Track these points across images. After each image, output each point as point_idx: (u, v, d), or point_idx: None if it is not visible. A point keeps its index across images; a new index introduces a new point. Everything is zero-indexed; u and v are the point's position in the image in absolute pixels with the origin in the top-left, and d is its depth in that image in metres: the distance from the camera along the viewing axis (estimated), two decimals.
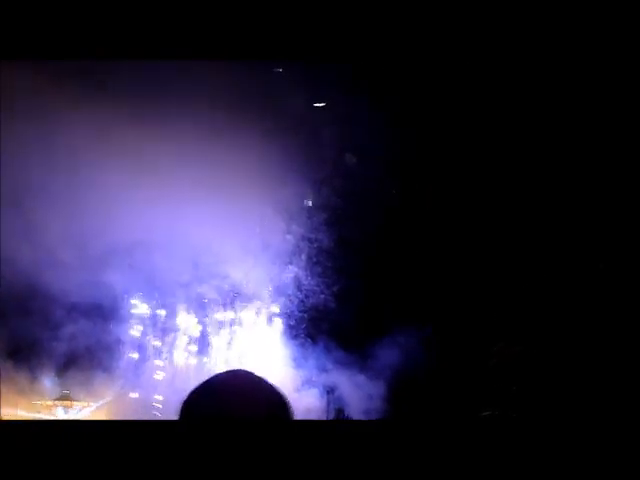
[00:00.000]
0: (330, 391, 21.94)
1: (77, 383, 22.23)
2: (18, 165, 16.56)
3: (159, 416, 22.34)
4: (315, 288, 20.66)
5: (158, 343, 21.98)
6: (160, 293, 21.26)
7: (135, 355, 21.74)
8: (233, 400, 2.21)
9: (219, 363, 21.99)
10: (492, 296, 16.72)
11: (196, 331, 21.75)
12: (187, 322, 21.69)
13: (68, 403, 22.45)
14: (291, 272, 20.67)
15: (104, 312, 20.67)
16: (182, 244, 19.28)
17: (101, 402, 22.10)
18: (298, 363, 22.29)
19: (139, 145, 17.67)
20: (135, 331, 21.58)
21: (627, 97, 11.96)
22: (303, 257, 20.43)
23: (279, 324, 21.56)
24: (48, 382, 21.61)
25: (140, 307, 21.47)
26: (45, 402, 22.07)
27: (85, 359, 21.55)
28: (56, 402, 22.36)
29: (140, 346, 21.89)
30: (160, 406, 21.71)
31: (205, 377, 2.62)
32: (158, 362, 21.98)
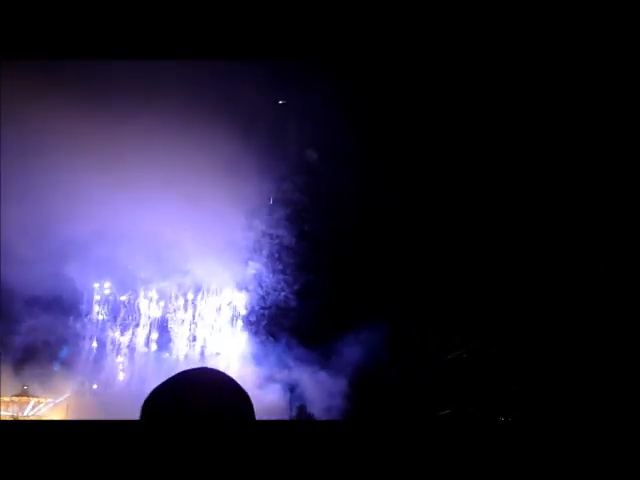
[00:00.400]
0: (292, 389, 21.89)
1: (36, 378, 21.88)
2: None
3: (118, 414, 22.03)
4: (276, 285, 20.61)
5: (117, 335, 21.82)
6: (121, 287, 21.11)
7: (94, 344, 21.60)
8: (196, 397, 2.16)
9: (180, 359, 21.86)
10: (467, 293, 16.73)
11: (157, 326, 21.62)
12: (148, 317, 21.55)
13: (25, 399, 22.15)
14: (253, 268, 20.60)
15: (64, 305, 20.45)
16: (143, 239, 19.15)
17: (60, 398, 21.82)
18: (259, 360, 22.20)
19: (101, 140, 17.51)
20: (95, 325, 21.37)
21: (627, 97, 11.90)
22: (264, 253, 20.37)
23: (240, 320, 21.49)
24: (5, 377, 21.28)
25: (101, 301, 21.31)
26: (2, 398, 21.73)
27: (44, 353, 21.24)
28: (13, 398, 22.02)
29: (100, 341, 21.70)
30: (119, 402, 21.47)
31: (166, 374, 2.62)
32: (119, 357, 21.82)
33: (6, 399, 21.16)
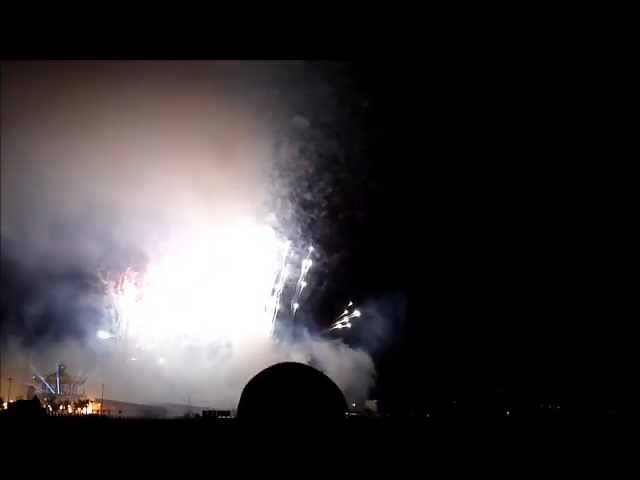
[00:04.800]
0: (313, 363, 23.73)
1: (63, 355, 21.96)
2: None
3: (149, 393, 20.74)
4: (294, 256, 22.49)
5: (134, 309, 22.30)
6: (127, 262, 21.77)
7: (112, 319, 21.46)
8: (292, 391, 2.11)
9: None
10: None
11: (178, 301, 22.10)
12: (163, 291, 22.60)
13: (64, 378, 22.08)
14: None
15: (74, 279, 21.24)
16: (147, 214, 21.50)
17: (92, 374, 22.14)
18: (280, 334, 23.17)
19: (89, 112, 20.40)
20: (108, 299, 21.54)
21: (625, 95, 13.96)
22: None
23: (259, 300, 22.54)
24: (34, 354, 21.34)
25: (108, 275, 21.88)
26: (43, 376, 21.93)
27: (65, 328, 21.70)
28: (50, 378, 22.36)
29: (114, 315, 22.12)
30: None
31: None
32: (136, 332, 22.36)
33: (43, 378, 20.29)
